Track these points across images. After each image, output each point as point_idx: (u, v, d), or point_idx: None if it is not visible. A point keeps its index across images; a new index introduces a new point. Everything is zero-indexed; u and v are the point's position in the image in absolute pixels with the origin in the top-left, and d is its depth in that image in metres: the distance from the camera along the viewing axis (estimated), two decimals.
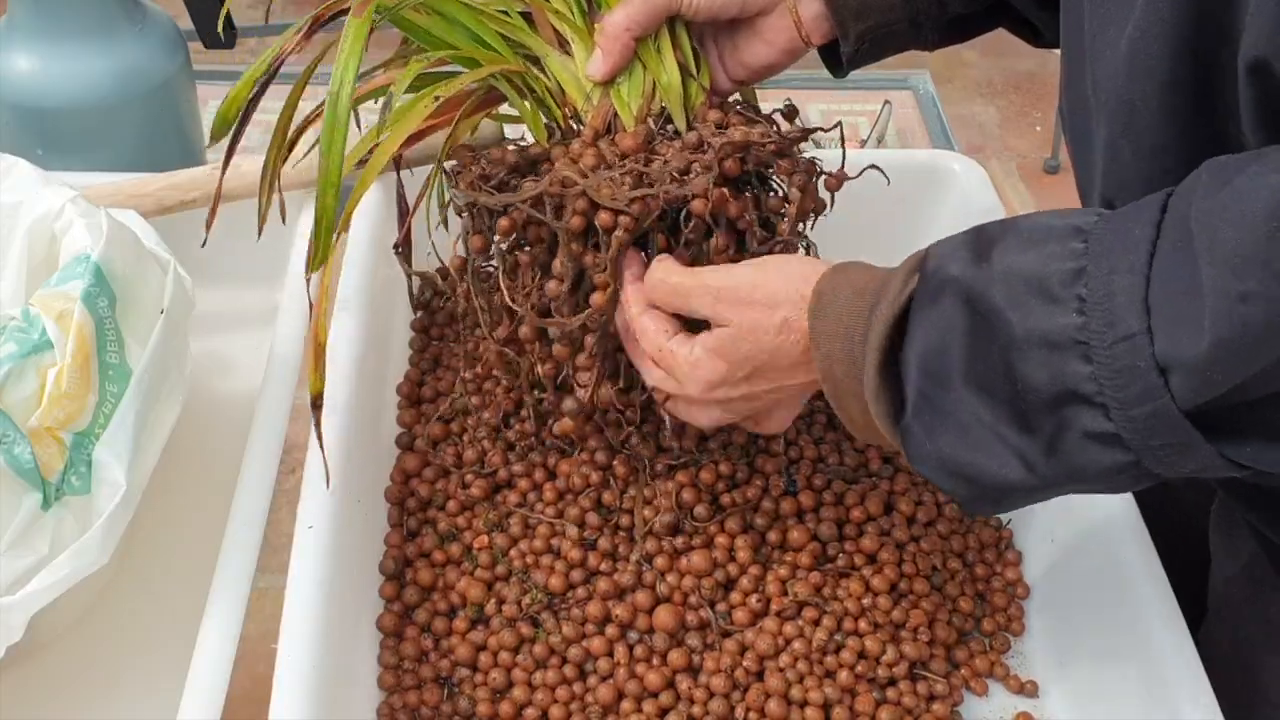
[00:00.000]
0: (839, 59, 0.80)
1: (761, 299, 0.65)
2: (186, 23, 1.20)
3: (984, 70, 2.57)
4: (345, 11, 0.69)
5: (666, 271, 0.69)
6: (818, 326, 0.62)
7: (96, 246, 0.74)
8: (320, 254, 0.68)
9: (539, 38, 0.74)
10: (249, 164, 0.96)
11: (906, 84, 1.68)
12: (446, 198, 0.77)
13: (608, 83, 0.75)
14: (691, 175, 0.70)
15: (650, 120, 0.75)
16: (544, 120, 0.77)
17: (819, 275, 0.64)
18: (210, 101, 1.81)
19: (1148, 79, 0.58)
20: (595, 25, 0.75)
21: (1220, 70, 0.55)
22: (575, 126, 0.75)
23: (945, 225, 0.96)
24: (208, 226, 0.74)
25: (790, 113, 0.79)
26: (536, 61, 0.76)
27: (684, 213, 0.71)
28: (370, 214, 0.91)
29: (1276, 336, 0.49)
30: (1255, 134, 0.55)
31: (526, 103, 0.75)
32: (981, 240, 0.59)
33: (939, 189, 0.99)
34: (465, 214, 0.75)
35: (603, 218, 0.70)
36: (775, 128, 0.76)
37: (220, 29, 0.92)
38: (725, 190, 0.70)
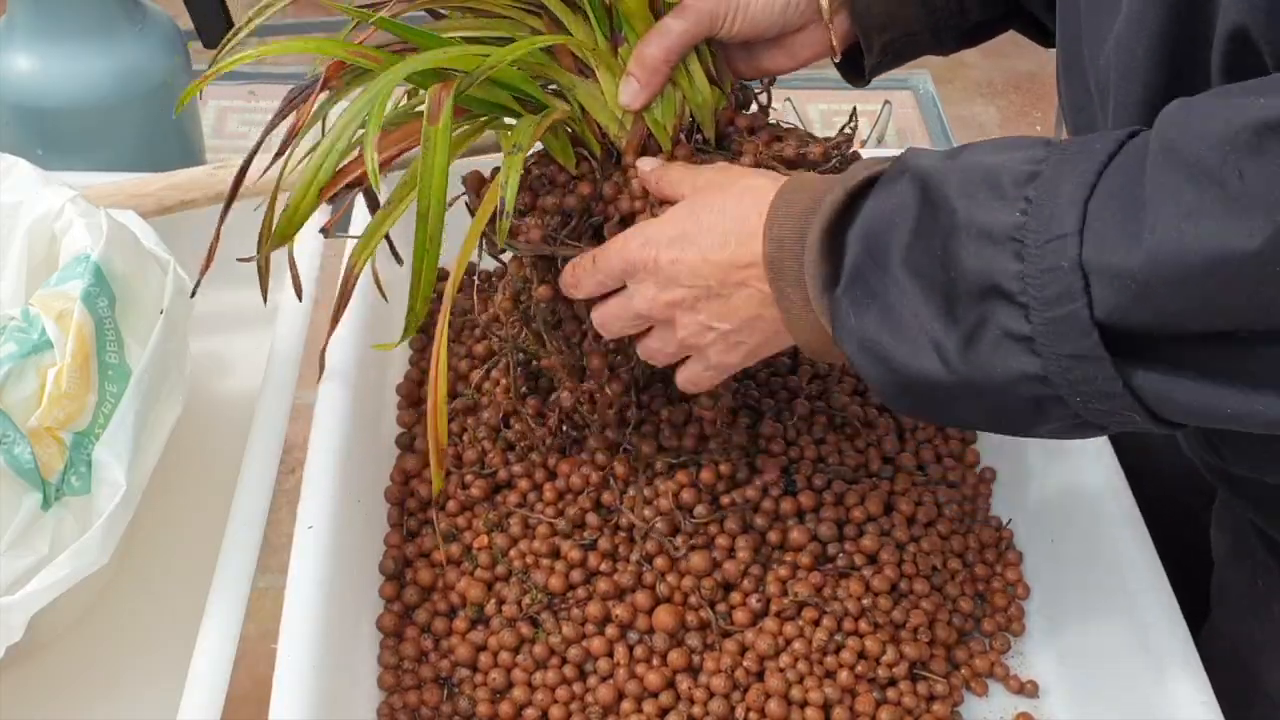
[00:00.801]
0: (859, 69, 0.80)
1: (729, 177, 0.68)
2: (186, 23, 1.20)
3: (984, 70, 2.57)
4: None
5: (670, 166, 0.72)
6: (777, 208, 0.63)
7: (96, 246, 0.74)
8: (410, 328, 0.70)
9: (560, 68, 0.74)
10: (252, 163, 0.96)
11: (906, 84, 1.68)
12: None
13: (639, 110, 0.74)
14: None
15: (681, 135, 0.74)
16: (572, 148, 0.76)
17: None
18: (210, 101, 1.81)
19: (1137, 71, 0.58)
20: (620, 50, 0.74)
21: (1197, 63, 0.56)
22: (612, 152, 0.75)
23: None
24: (202, 270, 0.74)
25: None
26: (559, 93, 0.75)
27: None
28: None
29: (1211, 269, 0.49)
30: None
31: (555, 135, 0.75)
32: (959, 147, 0.60)
33: None
34: (528, 267, 0.75)
35: None
36: (811, 137, 0.76)
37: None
38: None
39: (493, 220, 0.68)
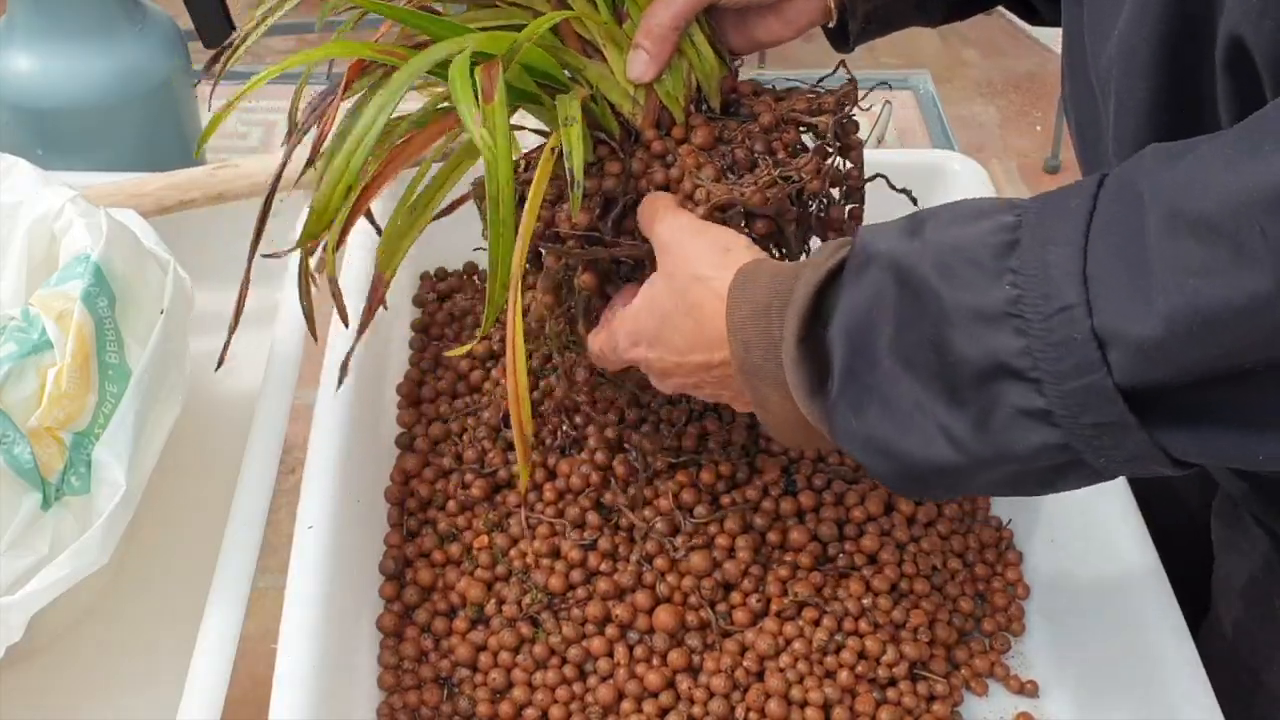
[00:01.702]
0: (845, 36, 0.80)
1: (690, 248, 0.66)
2: (186, 23, 1.20)
3: (984, 70, 2.57)
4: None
5: (651, 198, 0.71)
6: (736, 307, 0.62)
7: (96, 246, 0.74)
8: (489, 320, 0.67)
9: (570, 51, 0.74)
10: (250, 163, 0.96)
11: (906, 84, 1.68)
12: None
13: (650, 82, 0.74)
14: (779, 157, 0.71)
15: (691, 106, 0.74)
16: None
17: (744, 251, 0.65)
18: (210, 102, 1.81)
19: (1139, 69, 0.58)
20: (625, 27, 0.74)
21: (1200, 65, 0.55)
22: (630, 131, 0.74)
23: None
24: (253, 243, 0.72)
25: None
26: (571, 76, 0.75)
27: (800, 194, 0.71)
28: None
29: (1229, 317, 0.47)
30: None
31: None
32: (914, 221, 0.58)
33: (939, 189, 0.99)
34: (569, 256, 0.74)
35: (759, 227, 0.70)
36: (816, 91, 0.75)
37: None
38: (828, 166, 0.71)
39: (554, 203, 0.68)
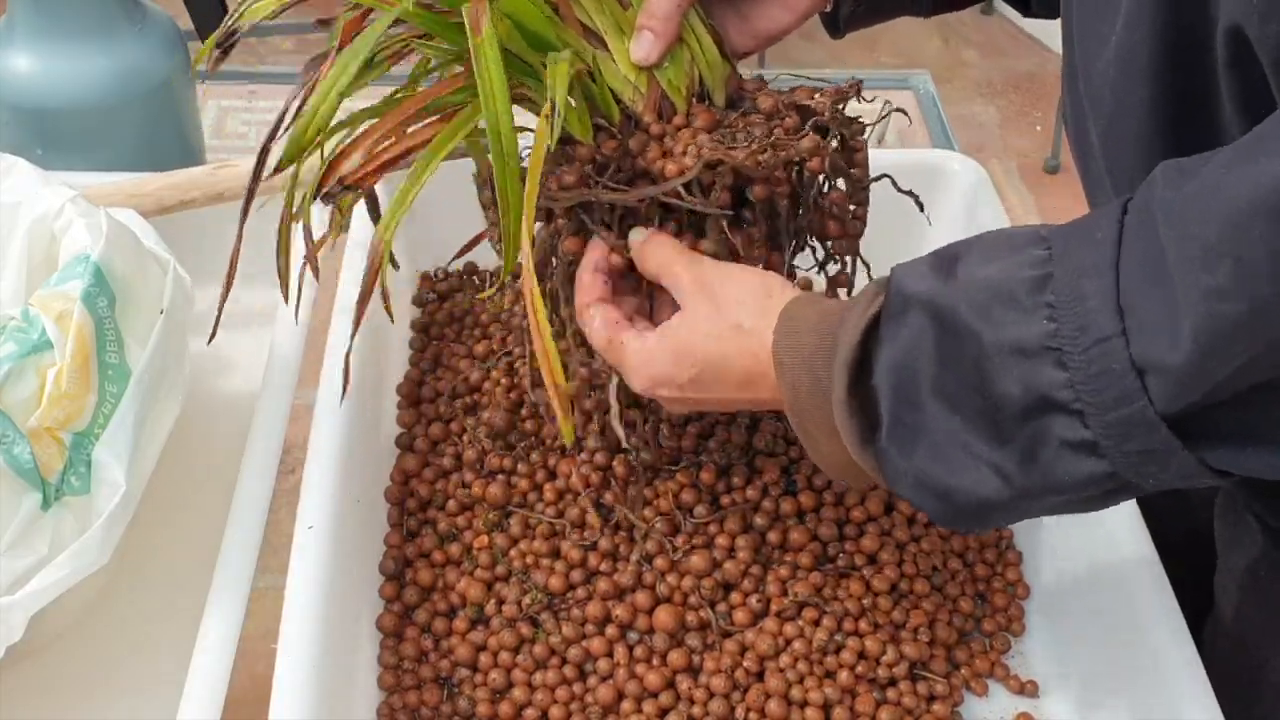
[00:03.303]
0: (836, 21, 0.80)
1: (723, 295, 0.66)
2: (186, 23, 1.20)
3: (984, 70, 2.57)
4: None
5: (661, 242, 0.70)
6: (783, 355, 0.62)
7: (96, 246, 0.74)
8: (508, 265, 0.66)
9: (571, 33, 0.73)
10: (250, 163, 0.96)
11: (906, 84, 1.68)
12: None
13: (651, 68, 0.73)
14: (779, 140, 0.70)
15: (694, 99, 0.74)
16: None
17: (783, 292, 0.64)
18: (210, 101, 1.81)
19: (1138, 71, 0.58)
20: (627, 13, 0.73)
21: (1201, 61, 0.55)
22: (630, 118, 0.74)
23: (945, 225, 0.96)
24: (223, 298, 0.72)
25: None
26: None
27: (799, 172, 0.70)
28: (369, 214, 0.91)
29: (1249, 332, 0.48)
30: (1240, 127, 0.55)
31: (572, 105, 0.74)
32: (944, 258, 0.58)
33: (939, 189, 0.99)
34: (559, 218, 0.73)
35: (758, 191, 0.69)
36: (818, 86, 0.75)
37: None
38: (828, 146, 0.70)
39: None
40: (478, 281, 1.00)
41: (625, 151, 0.71)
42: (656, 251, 0.69)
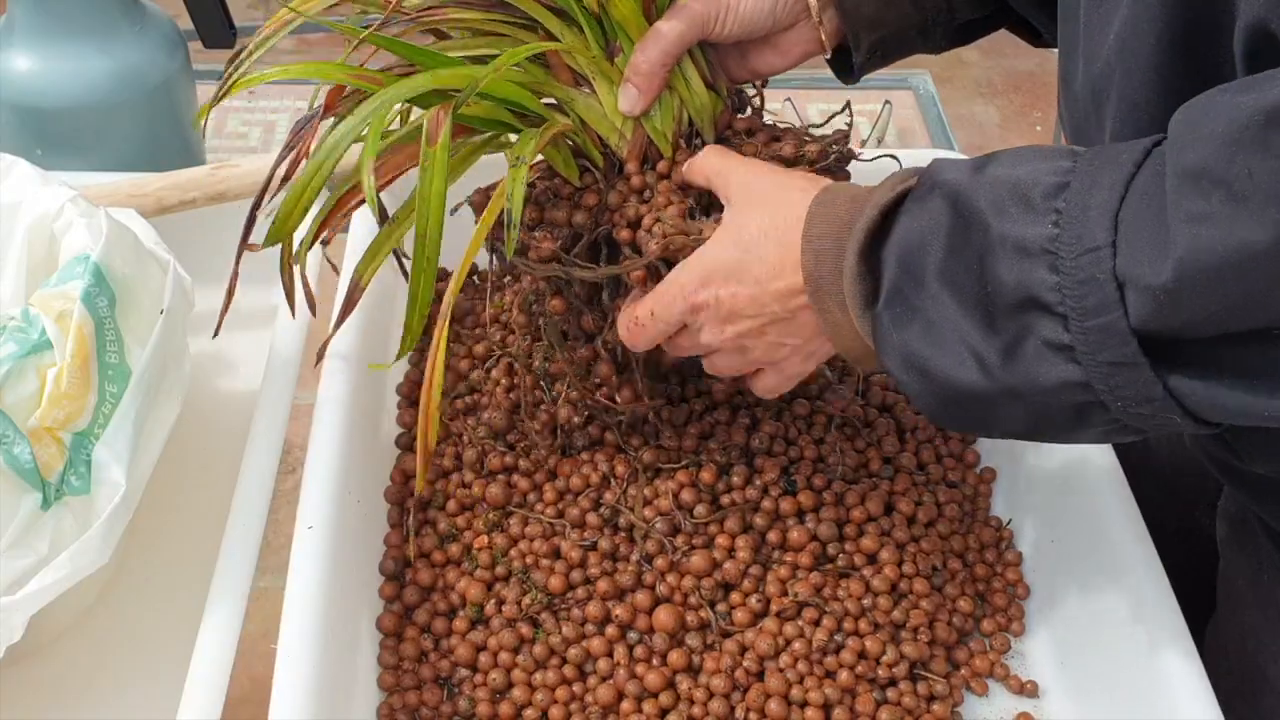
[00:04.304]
0: (849, 66, 0.80)
1: (769, 187, 0.68)
2: (186, 23, 1.20)
3: (984, 70, 2.57)
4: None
5: (705, 151, 0.72)
6: (814, 225, 0.64)
7: (96, 246, 0.74)
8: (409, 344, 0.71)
9: (558, 83, 0.74)
10: (250, 163, 0.96)
11: (906, 84, 1.68)
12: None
13: (639, 116, 0.74)
14: None
15: (681, 141, 0.75)
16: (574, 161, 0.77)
17: (821, 183, 0.67)
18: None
19: (1141, 70, 0.58)
20: (616, 61, 0.74)
21: (1214, 57, 0.56)
22: (614, 162, 0.75)
23: None
24: (221, 316, 0.76)
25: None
26: (559, 108, 0.75)
27: None
28: (370, 216, 0.91)
29: (1233, 268, 0.50)
30: None
31: (557, 148, 0.75)
32: (985, 157, 0.61)
33: None
34: (540, 280, 0.76)
35: None
36: (809, 136, 0.76)
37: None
38: None
39: (499, 226, 0.68)
40: (477, 281, 1.00)
41: (604, 207, 0.74)
42: (712, 158, 0.71)
